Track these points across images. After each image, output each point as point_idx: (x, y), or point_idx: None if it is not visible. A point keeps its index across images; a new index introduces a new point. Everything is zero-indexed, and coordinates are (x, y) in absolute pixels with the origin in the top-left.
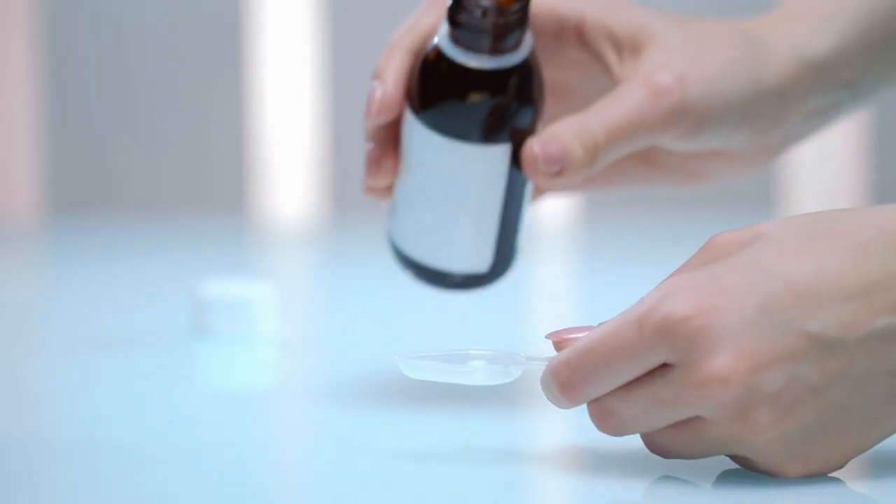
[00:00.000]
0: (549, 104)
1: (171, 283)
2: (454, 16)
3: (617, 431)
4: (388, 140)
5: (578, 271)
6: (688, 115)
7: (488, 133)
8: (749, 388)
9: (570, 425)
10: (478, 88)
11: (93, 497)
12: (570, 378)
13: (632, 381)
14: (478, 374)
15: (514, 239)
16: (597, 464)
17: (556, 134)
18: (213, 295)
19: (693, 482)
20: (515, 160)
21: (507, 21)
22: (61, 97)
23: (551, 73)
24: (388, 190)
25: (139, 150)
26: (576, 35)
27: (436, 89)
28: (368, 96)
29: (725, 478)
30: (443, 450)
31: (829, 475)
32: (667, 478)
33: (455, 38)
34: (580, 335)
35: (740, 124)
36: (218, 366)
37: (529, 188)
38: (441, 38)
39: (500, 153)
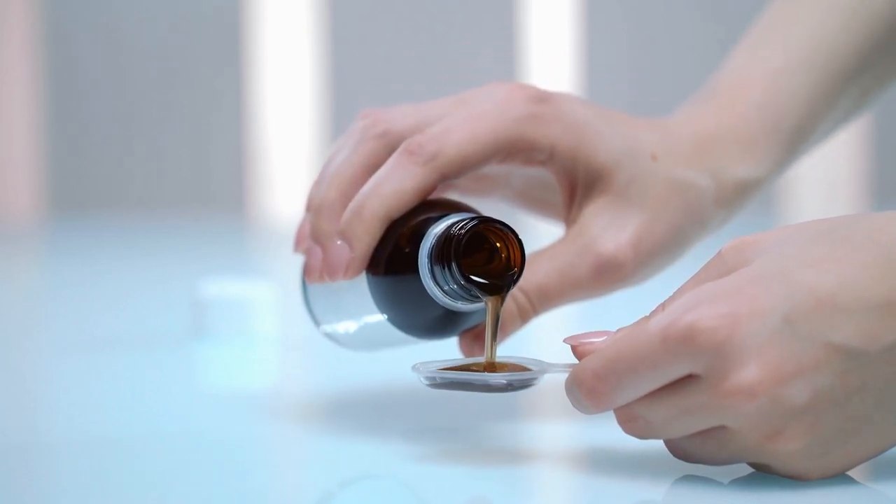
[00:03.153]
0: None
1: (171, 283)
2: (441, 269)
3: (642, 435)
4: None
5: None
6: (627, 279)
7: (435, 337)
8: (774, 399)
9: (592, 426)
10: (448, 318)
11: (92, 496)
12: (596, 385)
13: (658, 389)
14: (498, 385)
15: None
16: (619, 464)
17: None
18: (213, 295)
19: (715, 480)
20: None
21: (493, 288)
22: (61, 97)
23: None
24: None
25: (139, 149)
26: (543, 162)
27: (406, 313)
28: (332, 254)
29: (746, 477)
30: (455, 450)
31: (847, 473)
32: (688, 477)
33: (435, 281)
34: (598, 339)
35: (668, 257)
36: (218, 366)
37: None
38: (423, 267)
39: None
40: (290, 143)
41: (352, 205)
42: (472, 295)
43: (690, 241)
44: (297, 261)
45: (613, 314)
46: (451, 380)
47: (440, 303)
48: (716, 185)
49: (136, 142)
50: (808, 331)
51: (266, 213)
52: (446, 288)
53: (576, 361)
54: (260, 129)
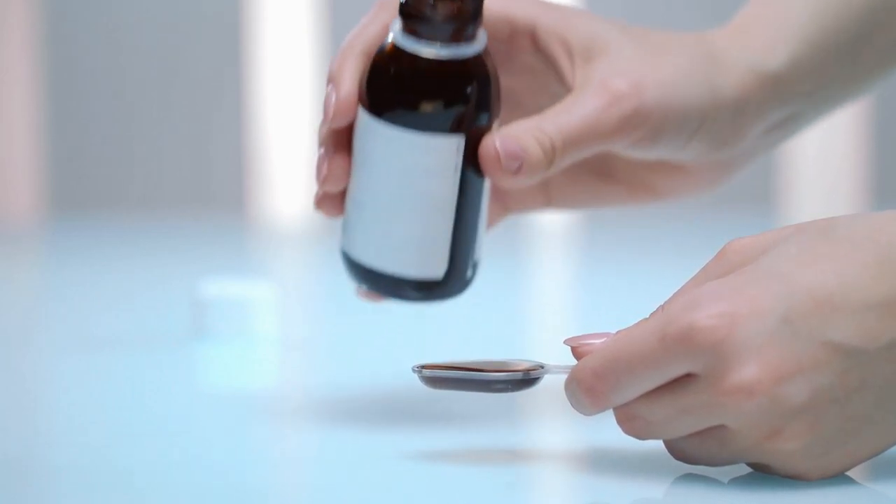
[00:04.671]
0: (502, 110)
1: (171, 283)
2: (408, 5)
3: (642, 435)
4: (340, 145)
5: (579, 273)
6: (644, 121)
7: (440, 123)
8: (773, 398)
9: (592, 426)
10: (430, 76)
11: (92, 496)
12: (595, 385)
13: (657, 389)
14: (498, 384)
15: (470, 246)
16: (619, 464)
17: (513, 133)
18: (213, 295)
19: (715, 480)
20: (469, 159)
21: (461, 8)
22: (61, 97)
23: (503, 80)
24: (339, 201)
25: (139, 150)
26: (529, 40)
27: (389, 81)
28: (324, 101)
29: (746, 477)
30: (453, 449)
31: (847, 473)
32: (688, 477)
33: (409, 29)
34: (598, 341)
35: (696, 134)
36: (218, 366)
37: (486, 194)
38: (395, 32)
39: (452, 146)
40: (290, 143)
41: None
42: (444, 19)
43: (700, 98)
44: (297, 261)
45: (614, 316)
46: (450, 379)
47: (418, 52)
48: (722, 60)
49: (136, 142)
50: (808, 330)
51: (266, 213)
52: (417, 25)
53: (575, 363)
54: (260, 129)
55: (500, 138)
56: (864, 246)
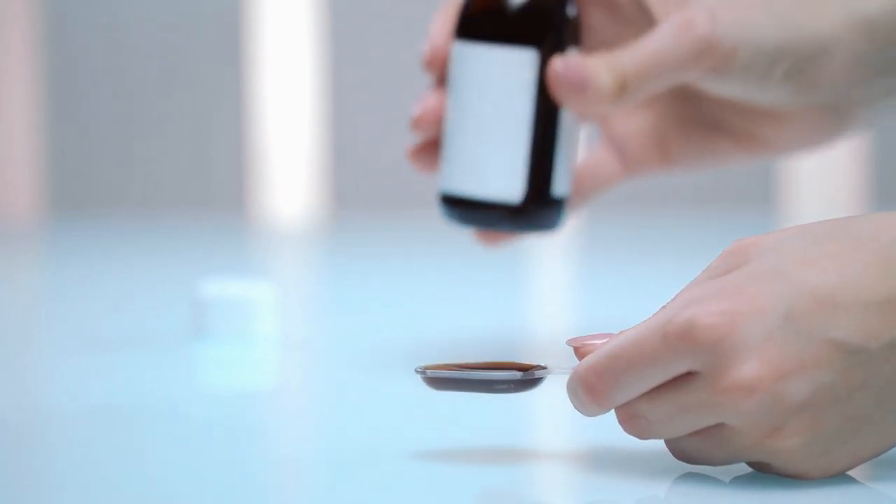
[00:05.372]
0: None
1: (171, 283)
2: None
3: (643, 434)
4: (434, 92)
5: (579, 273)
6: (713, 49)
7: (514, 35)
8: (774, 396)
9: (593, 426)
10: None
11: (92, 496)
12: (597, 383)
13: (658, 387)
14: (500, 385)
15: (549, 172)
16: (619, 463)
17: (583, 58)
18: (213, 295)
19: (716, 479)
20: (545, 80)
21: None
22: (61, 97)
23: (609, 29)
24: (431, 152)
25: (139, 150)
26: None
27: (469, 2)
28: (421, 55)
29: (747, 477)
30: (456, 449)
31: (847, 473)
32: (689, 476)
33: None
34: (601, 342)
35: (774, 70)
36: (218, 366)
37: (568, 122)
38: None
39: (526, 60)
40: (290, 143)
41: None
42: None
43: (779, 32)
44: (297, 261)
45: (615, 316)
46: (452, 380)
47: None
48: (816, 2)
49: (136, 142)
50: (809, 328)
51: (266, 213)
52: None
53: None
54: (260, 129)
55: (567, 59)
56: (867, 245)
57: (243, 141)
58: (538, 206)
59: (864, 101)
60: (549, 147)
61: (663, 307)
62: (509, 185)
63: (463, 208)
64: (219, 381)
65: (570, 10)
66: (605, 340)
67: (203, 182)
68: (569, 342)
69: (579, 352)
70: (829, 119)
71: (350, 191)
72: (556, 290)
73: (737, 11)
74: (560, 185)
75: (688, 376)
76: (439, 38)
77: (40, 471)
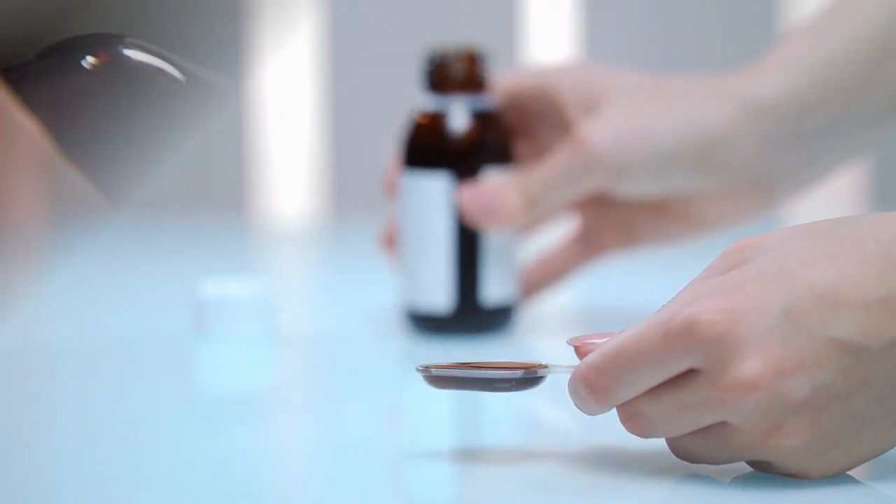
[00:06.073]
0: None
1: (171, 283)
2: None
3: (644, 433)
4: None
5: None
6: (602, 163)
7: (430, 160)
8: (774, 393)
9: (593, 426)
10: (424, 123)
11: (92, 496)
12: (598, 381)
13: (659, 385)
14: (502, 383)
15: (475, 283)
16: (620, 463)
17: (492, 183)
18: (213, 295)
19: (716, 479)
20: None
21: (447, 65)
22: None
23: (533, 143)
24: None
25: None
26: (548, 103)
27: (403, 136)
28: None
29: (747, 477)
30: (456, 449)
31: (848, 473)
32: (690, 476)
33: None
34: (602, 341)
35: (674, 167)
36: (218, 366)
37: (493, 236)
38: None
39: (441, 185)
40: (290, 143)
41: None
42: (433, 75)
43: (672, 134)
44: (298, 260)
45: (616, 316)
46: (454, 378)
47: (422, 107)
48: (712, 96)
49: None
50: (810, 326)
51: (266, 213)
52: (426, 81)
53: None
54: (260, 129)
55: (475, 186)
56: (867, 244)
57: (243, 141)
58: (469, 316)
59: (787, 172)
60: (474, 260)
61: (664, 305)
62: (439, 298)
63: (413, 321)
64: (219, 381)
65: (491, 135)
66: (605, 339)
67: (203, 182)
68: (569, 341)
69: (580, 351)
70: (756, 193)
71: (350, 191)
72: (557, 290)
73: (627, 121)
74: (493, 292)
75: (689, 374)
76: (392, 164)
77: (40, 471)
